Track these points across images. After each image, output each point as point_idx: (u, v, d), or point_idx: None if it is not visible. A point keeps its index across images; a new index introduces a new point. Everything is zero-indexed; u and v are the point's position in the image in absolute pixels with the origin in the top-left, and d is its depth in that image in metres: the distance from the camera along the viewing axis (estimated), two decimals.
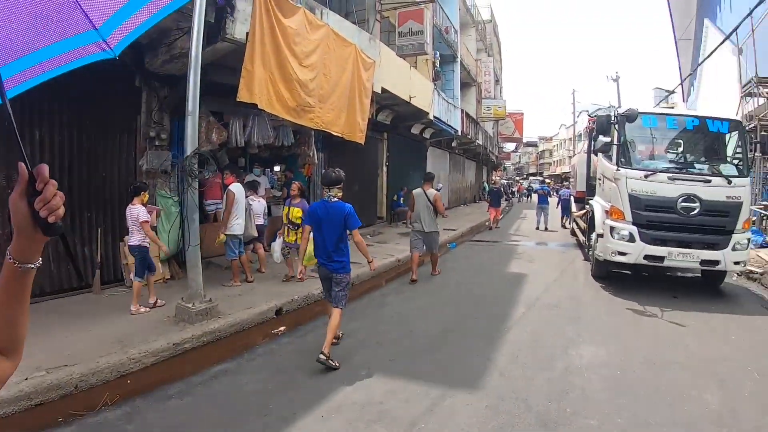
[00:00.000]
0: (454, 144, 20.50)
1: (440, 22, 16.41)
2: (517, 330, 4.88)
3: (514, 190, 35.50)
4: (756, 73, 10.38)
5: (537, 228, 14.63)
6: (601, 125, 6.71)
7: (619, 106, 27.47)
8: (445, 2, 18.07)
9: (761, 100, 10.33)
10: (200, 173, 6.43)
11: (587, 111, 48.25)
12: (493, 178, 39.91)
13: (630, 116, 6.43)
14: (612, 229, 6.54)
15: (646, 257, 6.38)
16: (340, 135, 8.98)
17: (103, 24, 1.25)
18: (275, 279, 6.51)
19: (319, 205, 4.05)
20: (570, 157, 48.87)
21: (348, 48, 8.78)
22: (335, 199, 3.96)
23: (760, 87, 10.12)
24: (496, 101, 24.62)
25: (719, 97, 13.29)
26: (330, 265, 3.95)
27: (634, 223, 6.40)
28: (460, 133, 18.38)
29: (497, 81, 29.47)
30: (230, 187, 6.11)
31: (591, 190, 10.59)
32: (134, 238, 4.92)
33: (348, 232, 3.99)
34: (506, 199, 31.38)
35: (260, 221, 6.73)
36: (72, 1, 1.18)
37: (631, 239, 6.40)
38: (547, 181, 59.52)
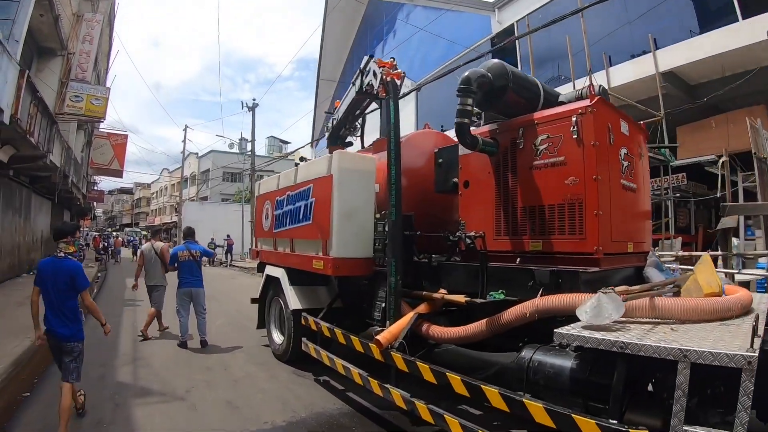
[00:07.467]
0: None
1: None
2: None
3: (109, 245, 25.10)
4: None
5: (182, 344, 6.42)
6: None
7: (253, 139, 23.70)
8: None
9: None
10: None
11: (197, 153, 43.77)
12: None
13: None
14: None
15: None
16: None
17: None
18: None
19: (48, 262, 3.51)
20: (175, 206, 41.78)
21: None
22: (63, 254, 3.48)
23: None
24: (94, 88, 14.91)
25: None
26: (59, 331, 3.39)
27: None
28: (8, 120, 8.48)
29: (100, 72, 19.70)
30: None
31: None
32: None
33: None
34: (97, 260, 21.36)
35: None
36: None
37: None
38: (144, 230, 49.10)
